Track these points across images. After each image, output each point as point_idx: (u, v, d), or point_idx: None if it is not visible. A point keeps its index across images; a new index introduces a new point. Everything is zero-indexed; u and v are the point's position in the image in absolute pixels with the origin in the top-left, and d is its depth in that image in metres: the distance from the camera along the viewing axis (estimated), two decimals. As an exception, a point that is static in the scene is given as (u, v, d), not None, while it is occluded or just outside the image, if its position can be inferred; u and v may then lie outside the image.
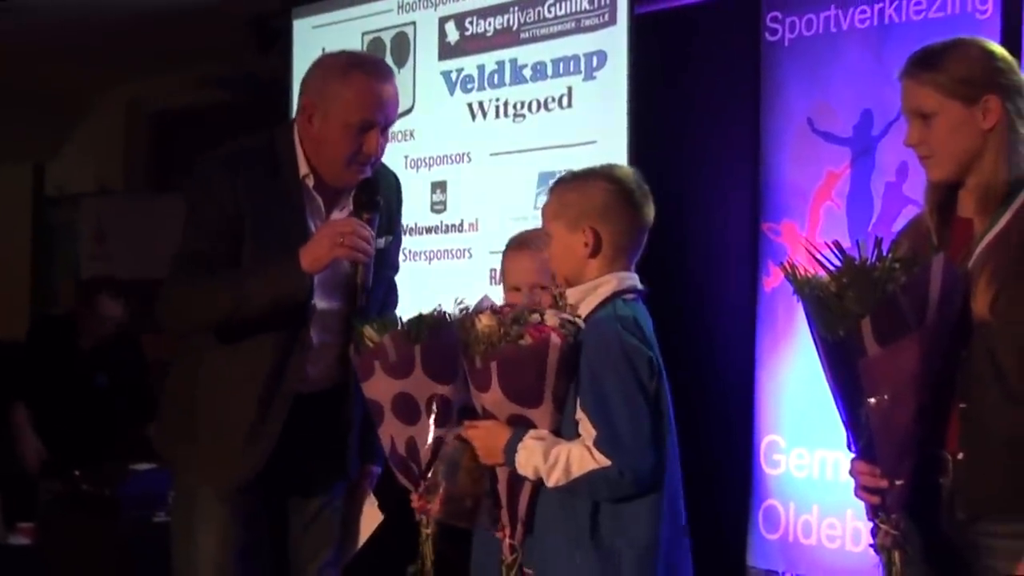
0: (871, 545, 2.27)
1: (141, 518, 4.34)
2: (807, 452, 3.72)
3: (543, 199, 4.32)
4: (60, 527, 4.57)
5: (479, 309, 2.58)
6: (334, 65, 2.93)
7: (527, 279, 2.92)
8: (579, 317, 2.54)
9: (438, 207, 4.67)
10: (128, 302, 5.55)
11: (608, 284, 2.55)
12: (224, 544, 2.94)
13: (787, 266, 2.28)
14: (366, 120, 2.86)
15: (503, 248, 4.34)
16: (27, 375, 5.59)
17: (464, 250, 4.60)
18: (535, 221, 4.27)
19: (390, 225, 3.10)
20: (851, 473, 2.31)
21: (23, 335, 8.23)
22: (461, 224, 4.63)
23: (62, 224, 8.49)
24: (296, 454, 2.94)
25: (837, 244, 2.21)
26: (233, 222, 2.86)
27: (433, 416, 2.68)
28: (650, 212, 2.61)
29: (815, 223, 3.79)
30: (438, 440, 2.67)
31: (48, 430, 5.41)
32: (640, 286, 2.60)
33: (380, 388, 2.72)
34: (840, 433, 3.48)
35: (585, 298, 2.56)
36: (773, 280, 3.87)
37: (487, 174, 4.56)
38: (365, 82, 2.87)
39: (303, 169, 2.93)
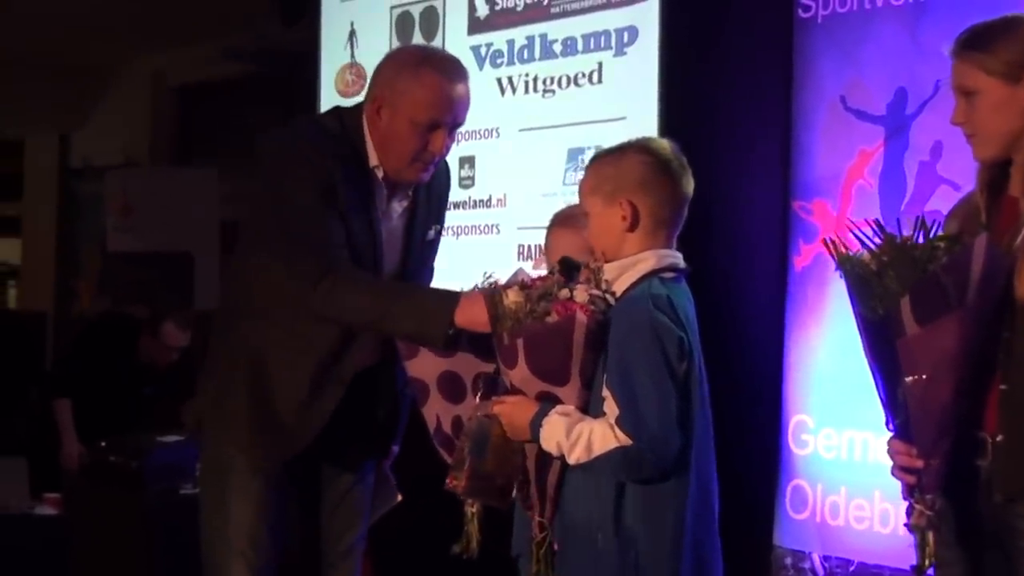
0: (905, 525, 2.26)
1: (166, 490, 4.35)
2: (835, 432, 3.70)
3: (572, 175, 4.37)
4: (86, 498, 4.58)
5: (510, 283, 2.54)
6: (407, 60, 2.88)
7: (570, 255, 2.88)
8: (613, 294, 2.49)
9: (466, 182, 4.65)
10: (191, 325, 5.54)
11: (646, 261, 2.51)
12: (258, 517, 2.94)
13: (830, 242, 2.26)
14: (435, 120, 2.81)
15: (531, 224, 4.39)
16: (74, 373, 5.59)
17: (492, 226, 4.59)
18: (564, 197, 4.29)
19: (440, 214, 3.09)
20: (888, 452, 2.29)
21: (48, 305, 8.30)
22: (489, 200, 4.62)
23: (87, 196, 8.52)
24: (337, 431, 2.93)
25: (878, 223, 2.18)
26: (330, 201, 2.80)
27: (480, 394, 2.65)
28: (689, 184, 2.56)
29: (847, 202, 3.75)
30: (469, 417, 2.64)
31: (82, 412, 5.44)
32: (682, 265, 2.55)
33: (425, 367, 2.70)
34: (869, 413, 3.47)
35: (622, 274, 2.51)
36: (803, 259, 3.85)
37: (516, 150, 4.54)
38: (437, 81, 2.81)
39: (373, 159, 2.89)
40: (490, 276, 2.63)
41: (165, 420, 5.31)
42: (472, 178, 4.66)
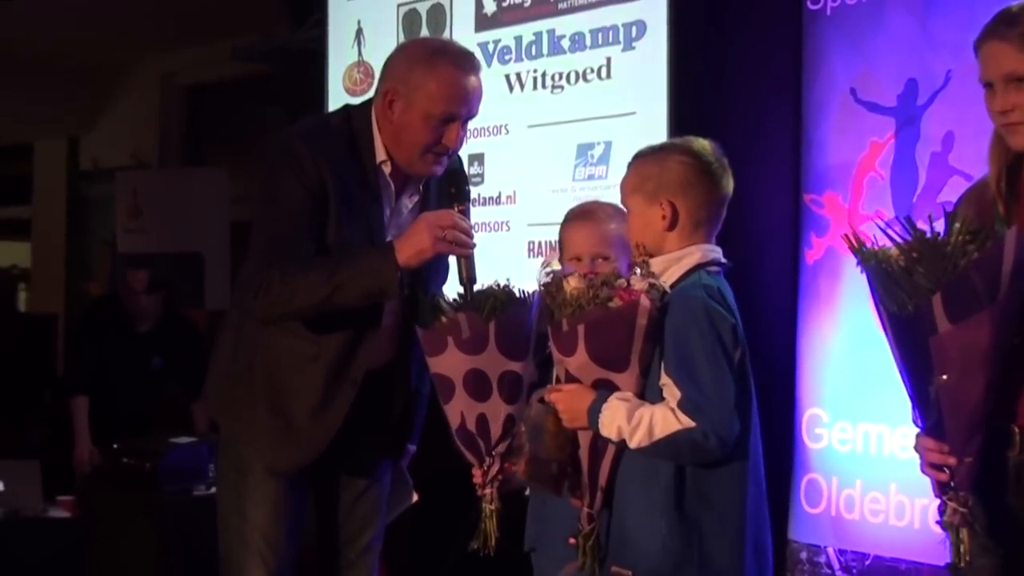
0: (938, 522, 2.23)
1: (180, 492, 4.35)
2: (850, 426, 3.68)
3: (582, 171, 4.35)
4: (99, 500, 4.58)
5: (565, 272, 2.56)
6: (421, 53, 2.87)
7: (588, 250, 2.92)
8: (664, 284, 2.54)
9: (475, 179, 4.63)
10: (155, 274, 5.55)
11: (692, 256, 2.56)
12: (275, 517, 2.95)
13: (852, 237, 2.24)
14: (449, 113, 2.81)
15: (541, 220, 4.38)
16: (84, 364, 5.58)
17: (502, 223, 4.57)
18: (573, 193, 4.29)
19: (451, 208, 3.09)
20: (917, 449, 2.27)
21: (59, 308, 8.32)
22: (499, 197, 4.61)
23: (97, 198, 8.53)
24: (352, 432, 2.93)
25: (908, 219, 2.16)
26: (318, 202, 2.80)
27: (505, 393, 2.66)
28: (729, 185, 2.62)
29: (858, 194, 3.74)
30: (512, 414, 2.66)
31: (97, 410, 5.44)
32: (723, 260, 2.61)
33: (452, 364, 2.70)
34: (884, 406, 3.48)
35: (669, 268, 2.56)
36: (815, 252, 3.84)
37: (525, 146, 4.53)
38: (452, 74, 2.81)
39: (380, 155, 2.88)
40: (547, 265, 2.65)
41: (178, 419, 5.33)
42: (481, 175, 4.65)
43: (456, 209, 2.82)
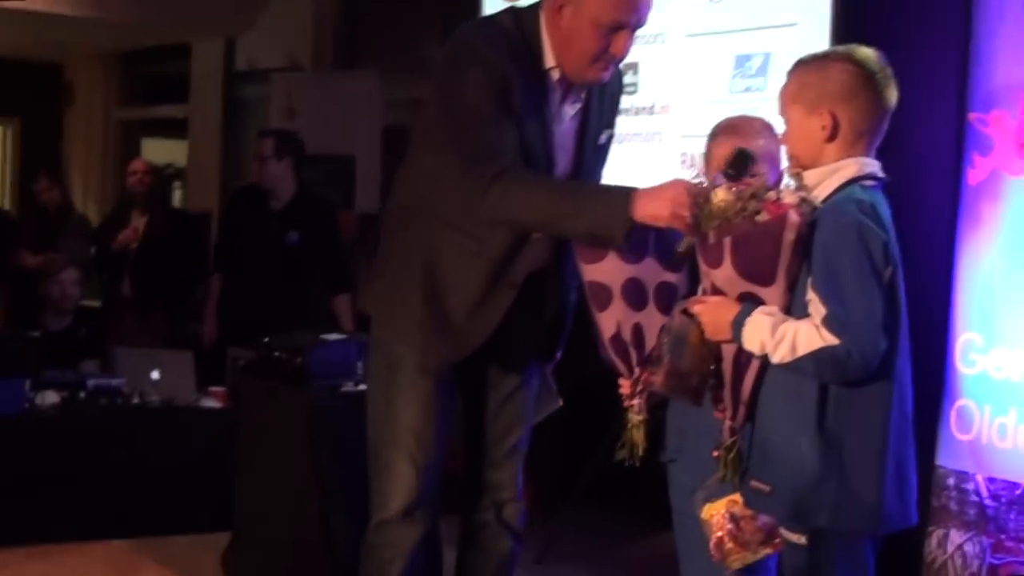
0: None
1: (328, 387, 4.43)
2: (1008, 352, 3.59)
3: (739, 82, 4.28)
4: (251, 392, 4.69)
5: (714, 184, 2.52)
6: None
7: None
8: (816, 198, 2.48)
9: (629, 89, 4.53)
10: (282, 140, 5.72)
11: (848, 168, 2.49)
12: (425, 417, 2.98)
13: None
14: (618, 21, 2.78)
15: (695, 132, 4.33)
16: (223, 245, 5.83)
17: (654, 133, 4.53)
18: (729, 105, 4.22)
19: (612, 119, 3.06)
20: None
21: (213, 206, 8.52)
22: (652, 107, 4.56)
23: (252, 98, 8.64)
24: (505, 334, 2.95)
25: None
26: (505, 98, 2.79)
27: (661, 304, 2.64)
28: (893, 96, 2.53)
29: (1028, 114, 3.61)
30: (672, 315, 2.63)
31: (242, 293, 5.62)
32: (881, 174, 2.53)
33: (610, 272, 2.69)
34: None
35: (824, 180, 2.49)
36: (979, 173, 3.73)
37: (681, 56, 4.47)
38: None
39: (550, 61, 2.86)
40: (696, 177, 2.60)
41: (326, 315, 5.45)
42: (636, 85, 4.60)
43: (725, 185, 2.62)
